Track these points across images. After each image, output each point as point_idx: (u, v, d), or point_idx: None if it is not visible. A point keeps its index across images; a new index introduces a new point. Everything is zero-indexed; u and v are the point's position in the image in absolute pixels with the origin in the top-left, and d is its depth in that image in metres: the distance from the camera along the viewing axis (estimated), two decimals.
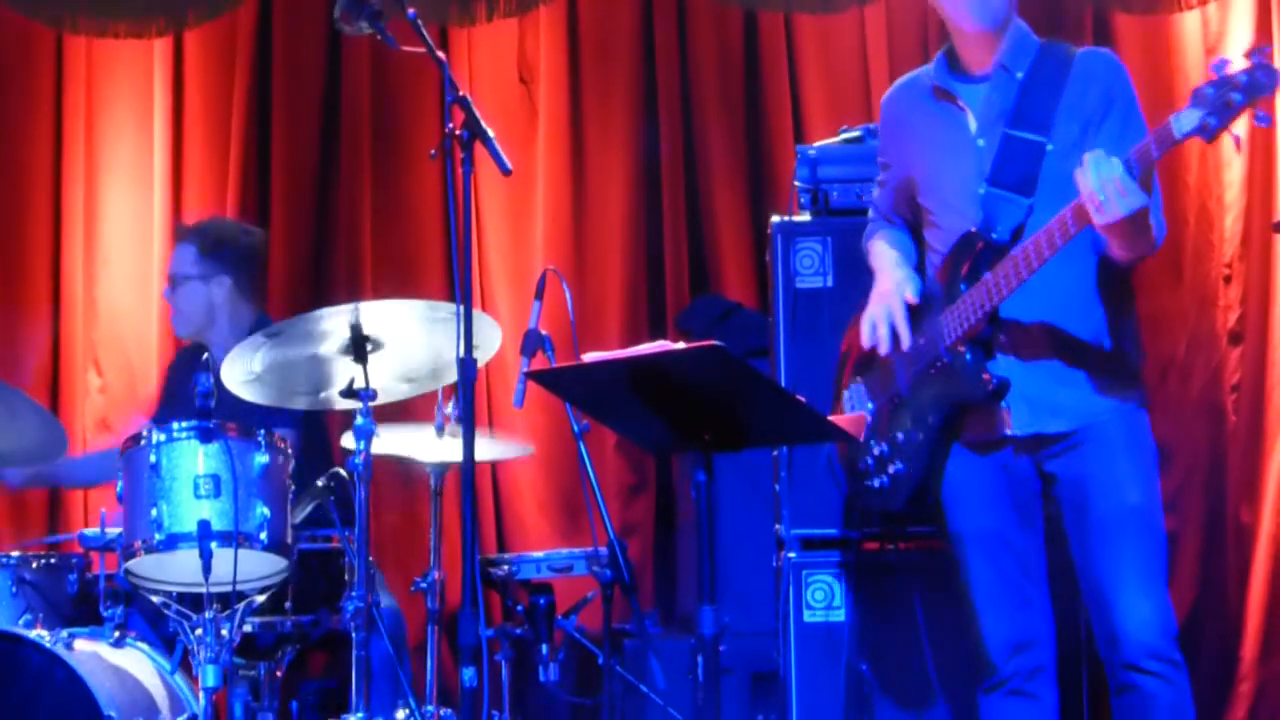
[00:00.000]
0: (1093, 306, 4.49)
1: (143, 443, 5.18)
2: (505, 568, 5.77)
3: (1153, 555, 4.42)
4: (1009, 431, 4.47)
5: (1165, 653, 4.37)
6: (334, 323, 5.09)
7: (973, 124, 4.59)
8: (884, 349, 4.56)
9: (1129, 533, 4.40)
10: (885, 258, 4.75)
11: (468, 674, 4.42)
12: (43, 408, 5.59)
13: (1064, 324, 4.45)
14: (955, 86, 4.63)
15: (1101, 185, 4.03)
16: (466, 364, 4.44)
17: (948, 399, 4.49)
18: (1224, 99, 3.87)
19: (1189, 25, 6.70)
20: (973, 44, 4.58)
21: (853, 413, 4.73)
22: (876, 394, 4.68)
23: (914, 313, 4.57)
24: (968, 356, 4.42)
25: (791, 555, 5.21)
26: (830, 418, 4.37)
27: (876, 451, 4.66)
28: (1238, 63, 3.87)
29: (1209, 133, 3.92)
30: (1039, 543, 4.59)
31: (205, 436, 5.12)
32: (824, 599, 5.18)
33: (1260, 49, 3.88)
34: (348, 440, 5.22)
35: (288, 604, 5.42)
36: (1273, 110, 3.90)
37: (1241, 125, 3.92)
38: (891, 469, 4.63)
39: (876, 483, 4.67)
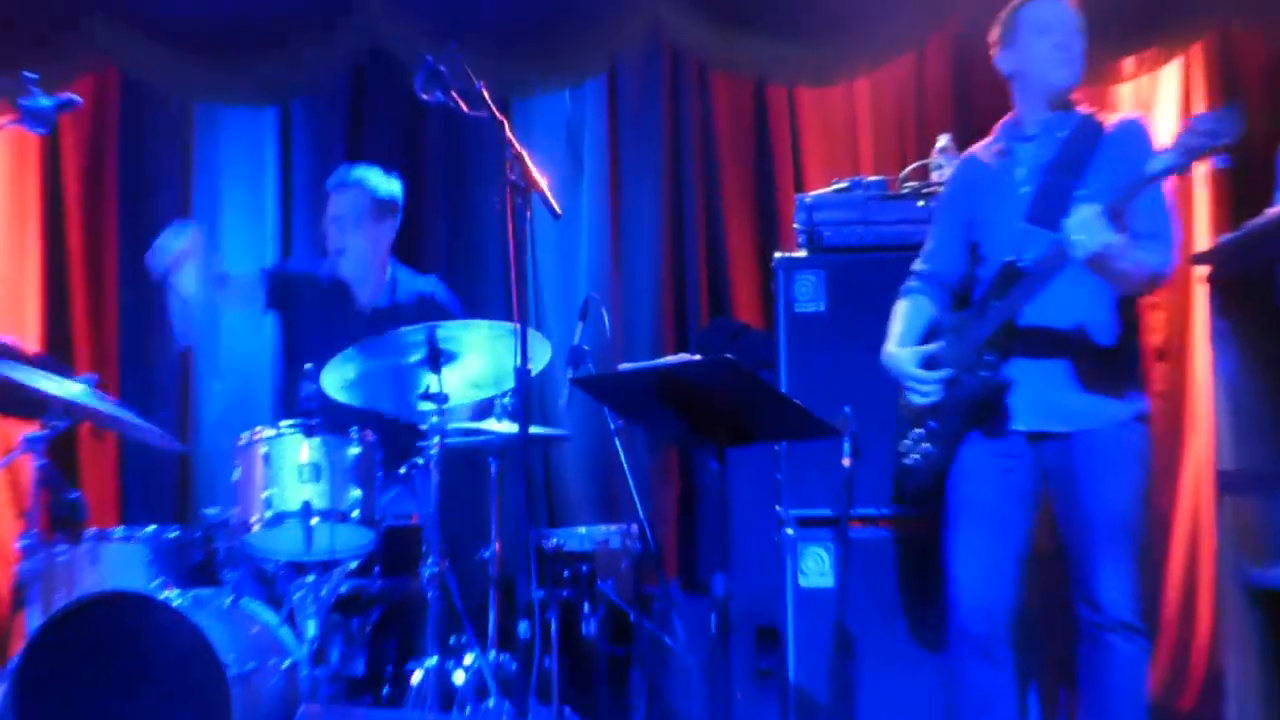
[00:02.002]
0: (1109, 323, 4.45)
1: (256, 437, 5.22)
2: (554, 541, 5.75)
3: (1127, 545, 4.41)
4: (1015, 426, 4.45)
5: (1131, 621, 4.38)
6: (415, 339, 5.11)
7: (1020, 173, 4.58)
8: (929, 390, 4.55)
9: (1109, 527, 4.40)
10: (894, 330, 4.73)
11: (523, 627, 4.44)
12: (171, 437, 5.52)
13: (1078, 336, 4.43)
14: (1012, 146, 4.64)
15: (1077, 227, 4.10)
16: (522, 373, 4.45)
17: (967, 394, 4.48)
18: (1191, 142, 3.90)
19: (1124, 93, 6.70)
20: (1039, 105, 4.58)
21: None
22: None
23: (956, 328, 4.57)
24: (987, 357, 4.42)
25: (790, 531, 5.19)
26: None
27: (913, 435, 4.66)
28: (1206, 115, 3.91)
29: (1179, 169, 3.96)
30: (1025, 523, 4.54)
31: (308, 432, 5.15)
32: (816, 567, 5.16)
33: (1229, 105, 3.89)
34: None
35: (375, 569, 5.44)
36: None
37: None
38: (923, 449, 4.62)
39: (910, 460, 4.66)
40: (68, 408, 5.16)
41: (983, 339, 4.42)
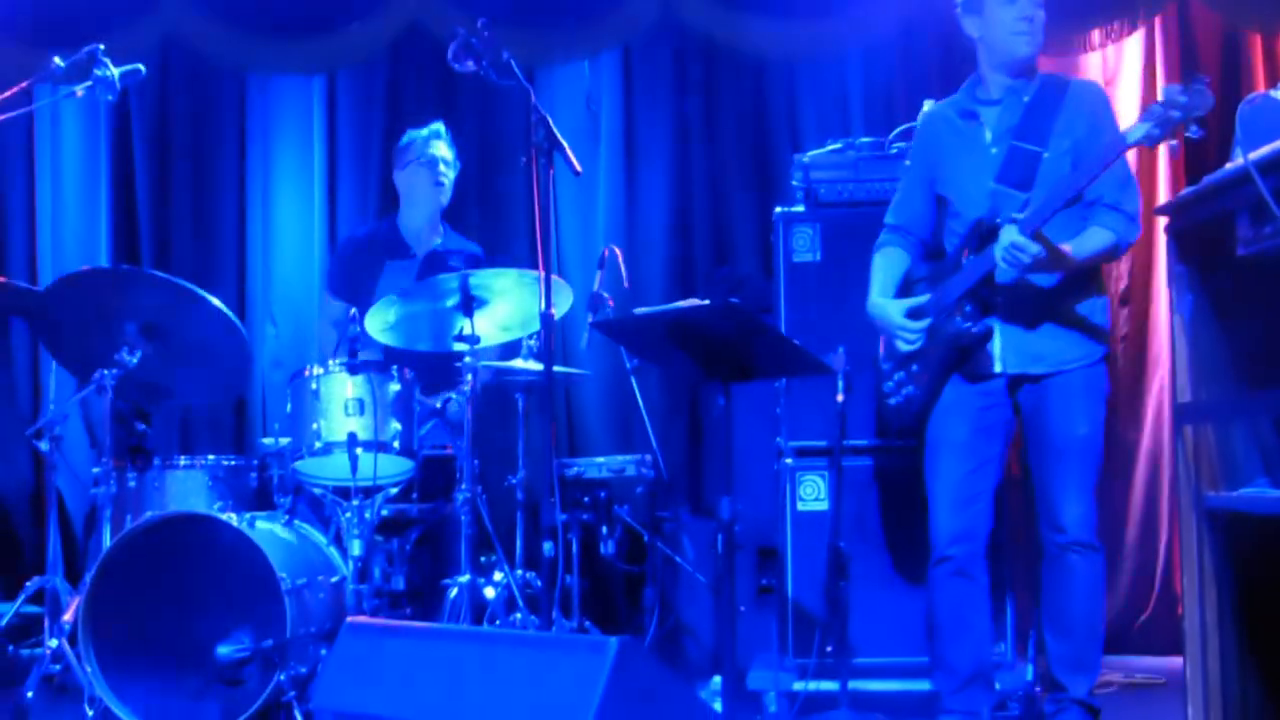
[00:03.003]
0: (1073, 277, 4.46)
1: (306, 375, 5.22)
2: (575, 469, 5.77)
3: (1089, 472, 4.46)
4: (998, 369, 4.47)
5: (1088, 540, 4.45)
6: (449, 286, 5.10)
7: (988, 135, 4.57)
8: (914, 339, 4.56)
9: (1074, 455, 4.45)
10: (875, 282, 4.74)
11: (547, 547, 4.44)
12: (233, 322, 5.48)
13: (1049, 290, 4.44)
14: (977, 108, 4.62)
15: (1003, 253, 4.21)
16: (547, 317, 4.44)
17: (948, 340, 4.48)
18: (1167, 115, 3.86)
19: (1092, 63, 6.65)
20: (1001, 71, 4.57)
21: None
22: None
23: (932, 278, 4.60)
24: (967, 308, 4.43)
25: (788, 461, 5.18)
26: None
27: (896, 378, 4.67)
28: (1178, 88, 3.86)
29: (1152, 140, 3.93)
30: (997, 453, 4.56)
31: (353, 370, 5.15)
32: (812, 493, 5.16)
33: (1199, 78, 3.85)
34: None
35: (414, 495, 5.45)
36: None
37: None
38: (906, 391, 4.63)
39: (893, 401, 4.68)
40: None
41: (963, 291, 4.41)
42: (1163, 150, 3.98)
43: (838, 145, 5.45)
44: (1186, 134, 3.86)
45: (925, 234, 4.78)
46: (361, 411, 5.12)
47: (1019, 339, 4.45)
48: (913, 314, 4.59)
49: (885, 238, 4.81)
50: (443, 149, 6.07)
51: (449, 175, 6.09)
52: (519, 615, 5.09)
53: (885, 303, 4.66)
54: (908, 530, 5.00)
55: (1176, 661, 3.76)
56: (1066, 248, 4.29)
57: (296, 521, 5.23)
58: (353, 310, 5.23)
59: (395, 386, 5.20)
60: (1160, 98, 3.93)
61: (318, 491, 5.29)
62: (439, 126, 6.14)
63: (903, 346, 4.61)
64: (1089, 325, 4.49)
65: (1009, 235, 4.21)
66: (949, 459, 4.55)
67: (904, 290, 4.72)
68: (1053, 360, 4.45)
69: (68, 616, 4.99)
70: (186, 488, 5.36)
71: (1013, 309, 4.44)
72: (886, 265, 4.76)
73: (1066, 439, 4.45)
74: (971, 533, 4.53)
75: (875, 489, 5.15)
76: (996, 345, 4.45)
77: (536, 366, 5.31)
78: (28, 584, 5.40)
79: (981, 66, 4.64)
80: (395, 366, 5.24)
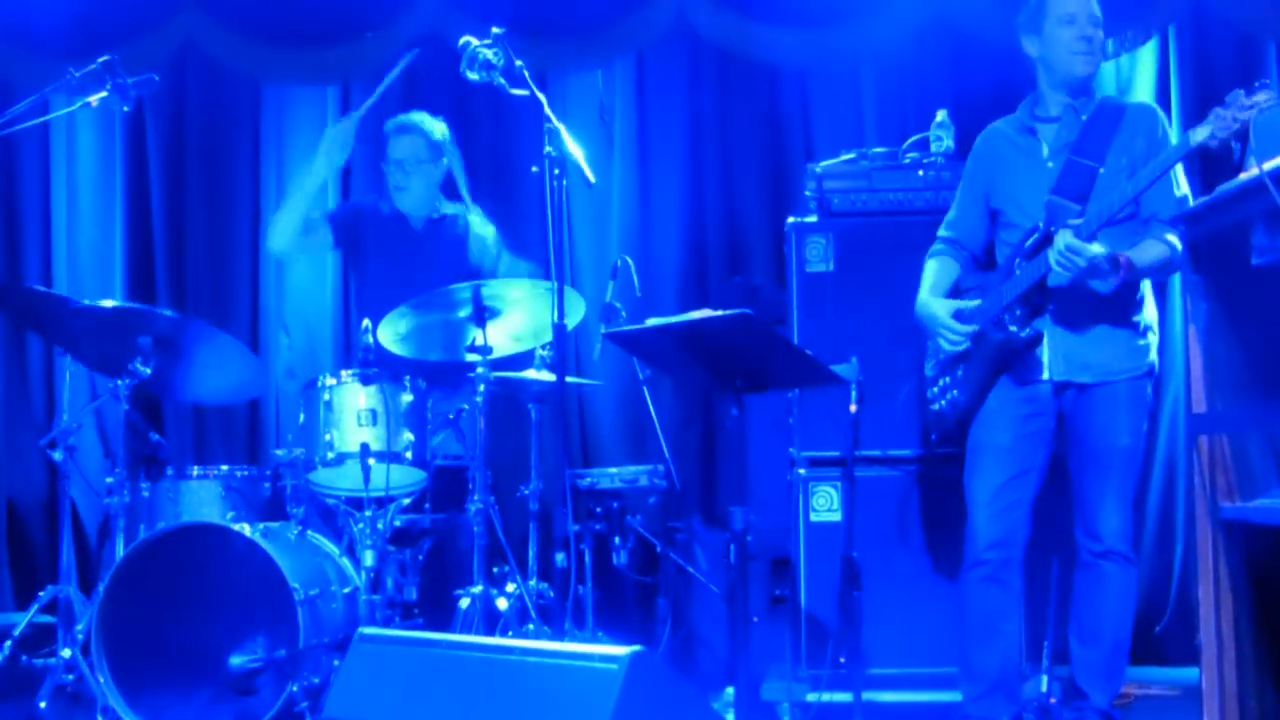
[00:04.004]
0: (1130, 290, 4.48)
1: (319, 385, 5.22)
2: (588, 480, 5.75)
3: (1129, 483, 4.52)
4: (1045, 376, 4.49)
5: (1125, 551, 4.51)
6: (462, 296, 5.10)
7: (1045, 150, 4.60)
8: (960, 339, 4.57)
9: (1115, 466, 4.49)
10: (925, 283, 4.76)
11: (560, 557, 4.45)
12: (246, 349, 5.54)
13: (1103, 301, 4.44)
14: (1036, 125, 4.65)
15: (1058, 257, 4.21)
16: (560, 328, 4.44)
17: (995, 344, 4.50)
18: (1233, 118, 3.82)
19: (1106, 71, 6.62)
20: (1059, 89, 4.59)
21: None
22: None
23: (981, 287, 4.63)
24: (1017, 312, 4.45)
25: (801, 471, 5.17)
26: None
27: (942, 383, 4.67)
28: (1244, 92, 3.82)
29: (1216, 141, 3.89)
30: (1039, 462, 4.58)
31: (365, 380, 5.14)
32: (825, 504, 5.15)
33: (1263, 83, 3.82)
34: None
35: (427, 505, 5.44)
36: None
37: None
38: (951, 396, 4.64)
39: (937, 406, 4.70)
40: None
41: (1014, 297, 4.42)
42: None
43: (851, 155, 5.45)
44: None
45: (978, 249, 4.82)
46: (374, 422, 5.11)
47: (1068, 346, 4.49)
48: (959, 317, 4.61)
49: (938, 247, 4.85)
50: (404, 146, 5.97)
51: (416, 174, 5.96)
52: (532, 626, 5.08)
53: (933, 301, 4.69)
54: (922, 540, 5.00)
55: (1192, 673, 3.74)
56: (1126, 255, 4.29)
57: (309, 532, 5.23)
58: (365, 321, 5.22)
59: (408, 397, 5.19)
60: (1224, 102, 3.87)
61: (330, 502, 5.29)
62: (407, 119, 6.04)
63: (946, 347, 4.64)
64: (1139, 336, 4.53)
65: (1064, 239, 4.20)
66: (990, 464, 4.57)
67: (953, 296, 4.74)
68: (1100, 370, 4.49)
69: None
70: (200, 498, 5.36)
71: (1063, 316, 4.47)
72: (939, 269, 4.80)
73: (1109, 449, 4.49)
74: (1008, 540, 4.54)
75: (888, 499, 5.14)
76: (1045, 351, 4.49)
77: (549, 377, 5.30)
78: (41, 593, 5.40)
79: (1040, 85, 4.68)
80: (408, 377, 5.24)
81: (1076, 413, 4.53)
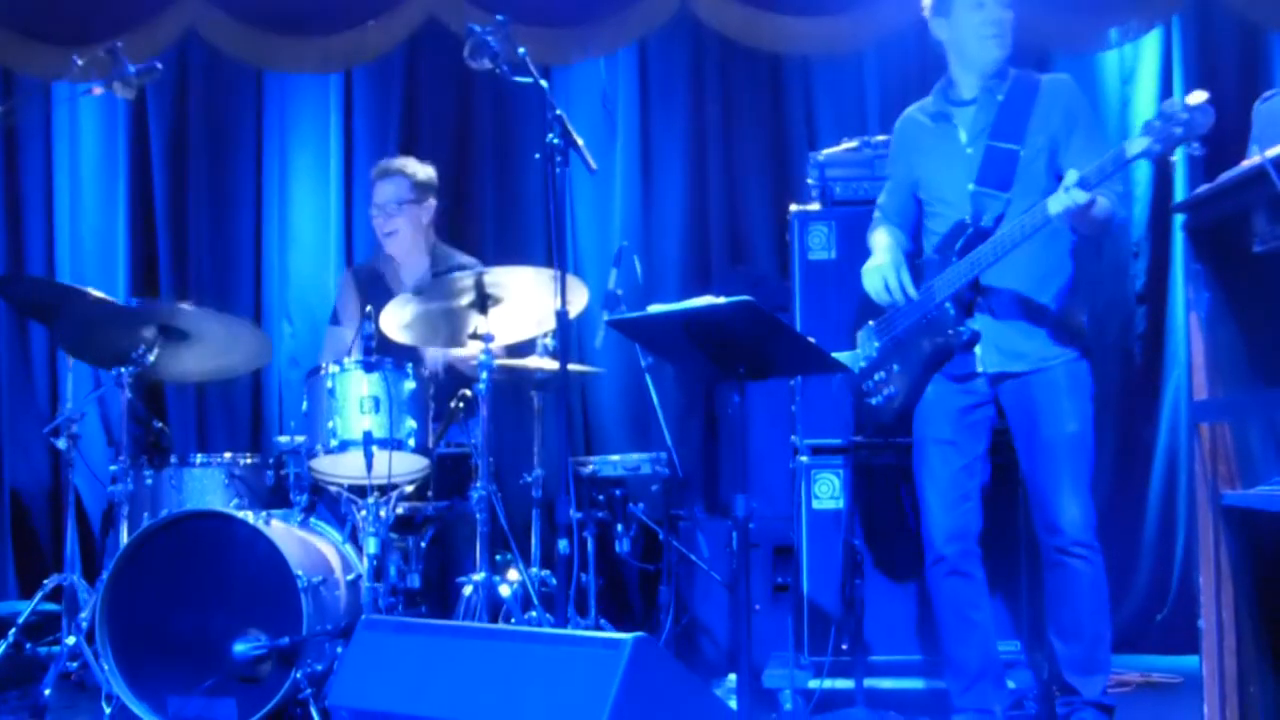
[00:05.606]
0: (1053, 278, 4.46)
1: (322, 373, 5.22)
2: (590, 467, 5.77)
3: (1082, 470, 4.42)
4: (980, 369, 4.46)
5: (1087, 541, 4.40)
6: (465, 284, 5.11)
7: (963, 137, 4.55)
8: (899, 298, 4.51)
9: (1066, 453, 4.41)
10: (881, 243, 4.69)
11: (562, 545, 4.44)
12: (253, 325, 5.54)
13: (1031, 291, 4.42)
14: (950, 110, 4.60)
15: (1066, 197, 4.07)
16: (562, 315, 4.45)
17: (933, 343, 4.47)
18: (1169, 132, 3.78)
19: (1109, 61, 6.63)
20: (972, 73, 4.54)
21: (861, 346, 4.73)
22: (881, 334, 4.65)
23: (914, 276, 4.54)
24: (951, 311, 4.41)
25: (804, 459, 5.17)
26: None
27: (877, 377, 4.65)
28: (1181, 105, 3.76)
29: (1152, 155, 3.85)
30: (983, 453, 4.56)
31: (368, 368, 5.15)
32: (828, 491, 5.15)
33: (1202, 96, 3.77)
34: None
35: (429, 493, 5.46)
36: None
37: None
38: (886, 391, 4.61)
39: (874, 401, 4.66)
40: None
41: (949, 294, 4.40)
42: (1181, 149, 3.92)
43: (854, 143, 5.45)
44: (1188, 152, 3.81)
45: (909, 231, 4.77)
46: (377, 409, 5.12)
47: (999, 336, 4.44)
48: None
49: (879, 217, 4.81)
50: (386, 191, 6.03)
51: (399, 215, 6.00)
52: (534, 613, 5.09)
53: (886, 256, 4.61)
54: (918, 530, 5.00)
55: (1194, 660, 3.74)
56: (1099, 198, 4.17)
57: (312, 519, 5.25)
58: (368, 307, 5.22)
59: (410, 384, 5.20)
60: (1164, 110, 3.80)
61: (333, 489, 5.30)
62: (389, 163, 6.11)
63: (882, 298, 4.53)
64: (1069, 325, 4.48)
65: (1072, 178, 4.04)
66: (937, 458, 4.55)
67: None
68: (1034, 358, 4.44)
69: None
70: (203, 485, 5.38)
71: (992, 307, 4.44)
72: (890, 233, 4.74)
73: (1056, 437, 4.41)
74: (964, 531, 4.52)
75: (890, 486, 5.14)
76: (980, 345, 4.45)
77: (552, 364, 5.31)
78: (45, 581, 5.43)
79: (952, 68, 4.62)
80: (410, 364, 5.25)
81: (1018, 404, 4.48)
